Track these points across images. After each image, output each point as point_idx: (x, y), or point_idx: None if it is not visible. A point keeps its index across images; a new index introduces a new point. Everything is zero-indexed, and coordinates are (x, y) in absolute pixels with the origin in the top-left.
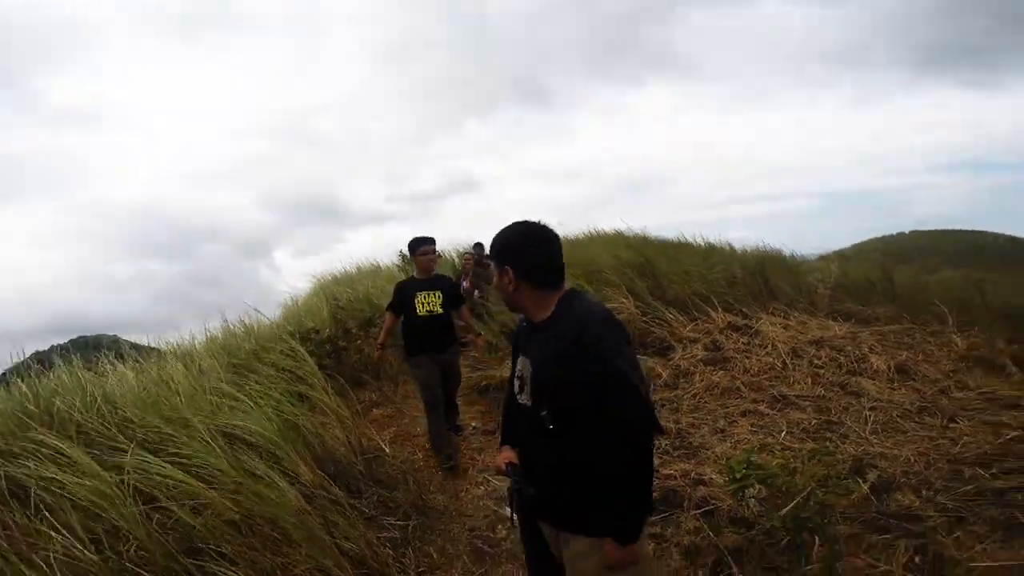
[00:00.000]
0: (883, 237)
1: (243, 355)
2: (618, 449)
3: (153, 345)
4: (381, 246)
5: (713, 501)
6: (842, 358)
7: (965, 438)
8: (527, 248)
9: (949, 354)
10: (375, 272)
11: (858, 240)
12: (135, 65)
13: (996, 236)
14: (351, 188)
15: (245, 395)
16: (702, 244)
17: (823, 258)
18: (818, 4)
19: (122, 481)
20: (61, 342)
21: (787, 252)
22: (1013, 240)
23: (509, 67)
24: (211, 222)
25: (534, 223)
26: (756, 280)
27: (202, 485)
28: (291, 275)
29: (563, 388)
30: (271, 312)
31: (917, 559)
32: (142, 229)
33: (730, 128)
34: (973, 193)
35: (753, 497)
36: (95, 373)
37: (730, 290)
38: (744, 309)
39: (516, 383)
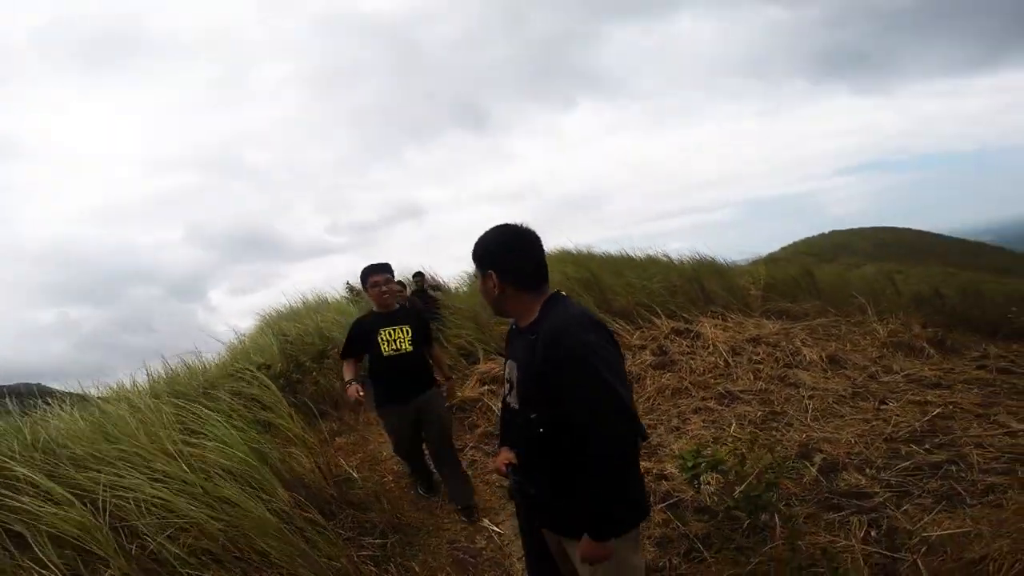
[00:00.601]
0: (807, 239)
1: (193, 392)
2: (590, 443)
3: (86, 391)
4: (325, 279)
5: (676, 494)
6: (778, 353)
7: (896, 418)
8: (509, 251)
9: (873, 342)
10: (322, 305)
11: (786, 243)
12: (48, 93)
13: (904, 231)
14: (288, 220)
15: (209, 425)
16: (642, 257)
17: (754, 262)
18: (726, 18)
19: (96, 510)
20: None
21: (720, 259)
22: (919, 233)
23: (444, 93)
24: (137, 262)
25: (514, 225)
26: (693, 287)
27: (183, 500)
28: (230, 314)
29: (547, 392)
30: (214, 353)
31: (872, 533)
32: (61, 272)
33: (658, 143)
34: (877, 192)
35: (708, 483)
36: (31, 419)
37: (671, 298)
38: (684, 315)
39: (507, 385)
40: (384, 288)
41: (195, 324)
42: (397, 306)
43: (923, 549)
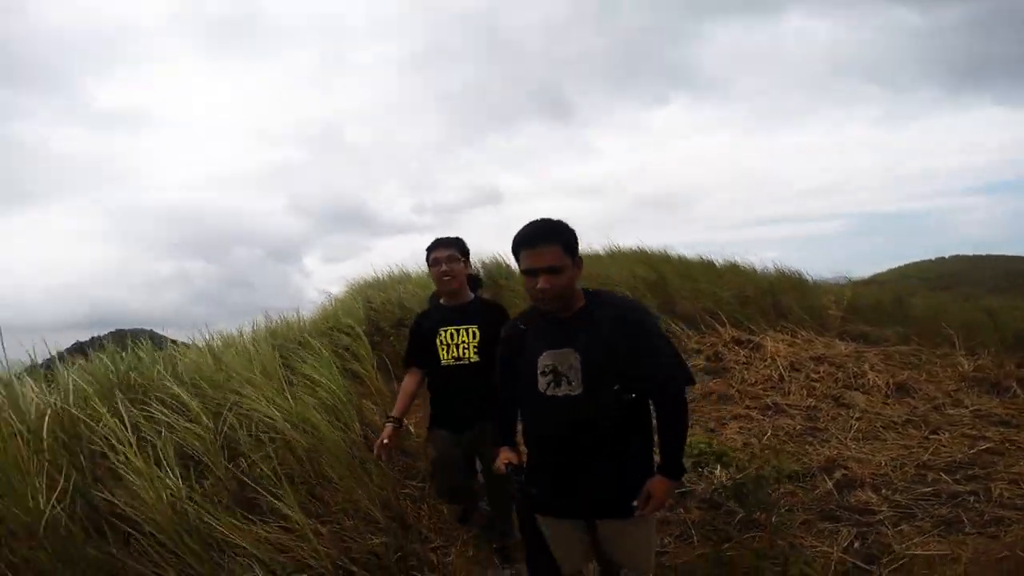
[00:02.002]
0: (921, 262)
1: (291, 343)
2: (668, 396)
3: (191, 341)
4: (408, 255)
5: (688, 485)
6: (840, 373)
7: (940, 447)
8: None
9: (953, 375)
10: (404, 278)
11: (895, 264)
12: (176, 69)
13: None
14: (379, 197)
15: (307, 366)
16: (721, 263)
17: (847, 282)
18: (844, 19)
19: (216, 428)
20: (101, 334)
21: (806, 275)
22: None
23: (531, 81)
24: (245, 226)
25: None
26: (766, 299)
27: (285, 422)
28: (320, 280)
29: (620, 364)
30: (308, 311)
31: (856, 544)
32: (181, 230)
33: (756, 146)
34: (1014, 216)
35: (718, 478)
36: (164, 353)
37: (740, 308)
38: (751, 326)
39: (545, 378)
40: (445, 267)
41: (290, 285)
42: (471, 297)
43: (894, 566)
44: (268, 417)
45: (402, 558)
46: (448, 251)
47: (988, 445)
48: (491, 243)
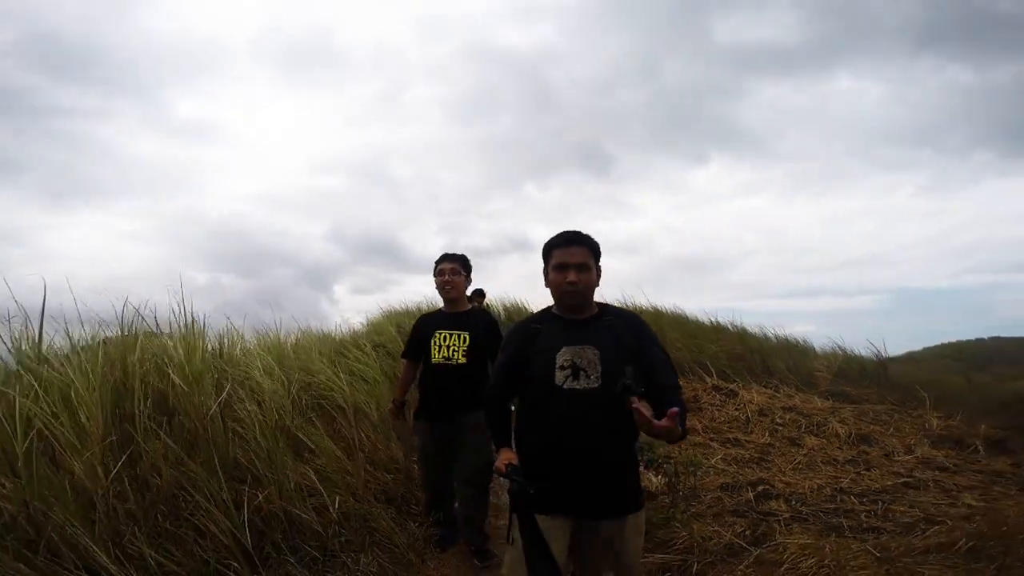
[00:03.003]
0: (958, 342)
1: (335, 348)
2: (675, 395)
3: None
4: (433, 293)
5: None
6: (804, 421)
7: (866, 480)
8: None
9: (919, 431)
10: (433, 309)
11: (933, 344)
12: (248, 89)
13: None
14: (412, 233)
15: (353, 360)
16: (734, 329)
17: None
18: (894, 82)
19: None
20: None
21: (801, 341)
22: None
23: (570, 133)
24: (284, 247)
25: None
26: (755, 357)
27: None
28: (346, 308)
29: (639, 359)
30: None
31: (747, 532)
32: (224, 243)
33: (796, 211)
34: None
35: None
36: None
37: (729, 363)
38: (737, 379)
39: (563, 372)
40: (447, 278)
41: (318, 310)
42: (468, 307)
43: (770, 549)
44: (329, 388)
45: (404, 495)
46: (452, 265)
47: (908, 480)
48: (516, 289)
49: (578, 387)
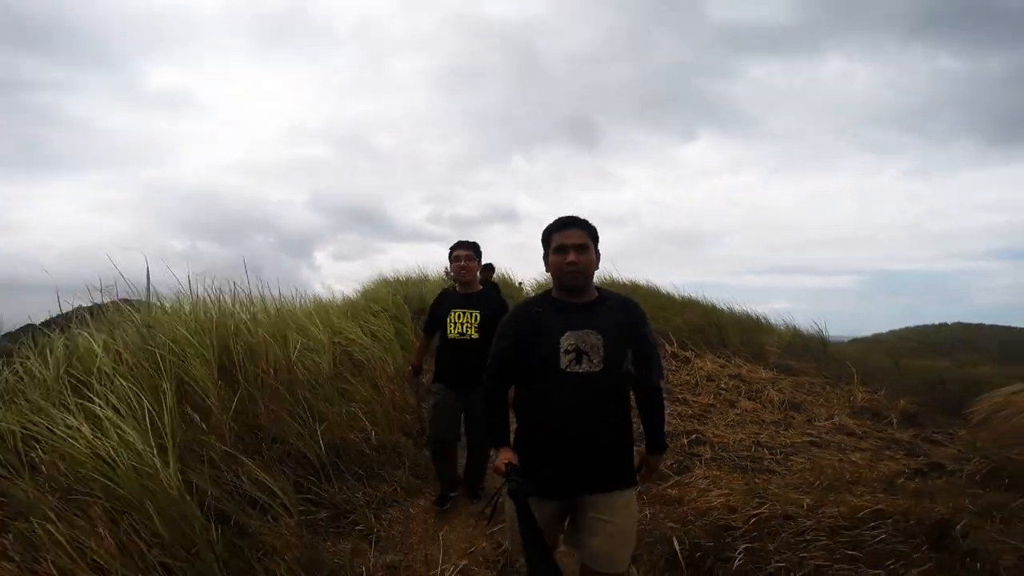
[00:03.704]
0: (923, 327)
1: (346, 313)
2: (658, 379)
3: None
4: (422, 260)
5: None
6: (745, 387)
7: (782, 437)
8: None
9: (844, 403)
10: (423, 280)
11: (899, 327)
12: (223, 57)
13: None
14: (397, 203)
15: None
16: (705, 303)
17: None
18: (885, 64)
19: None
20: (106, 300)
21: (759, 317)
22: None
23: (559, 106)
24: (263, 214)
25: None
26: (712, 330)
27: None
28: (328, 275)
29: (635, 344)
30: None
31: (674, 465)
32: (202, 211)
33: (781, 190)
34: None
35: None
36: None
37: (690, 335)
38: (695, 349)
39: (567, 356)
40: (463, 263)
41: (298, 277)
42: (480, 288)
43: (687, 479)
44: (353, 343)
45: (418, 430)
46: (467, 251)
47: (816, 440)
48: (502, 259)
49: (581, 371)
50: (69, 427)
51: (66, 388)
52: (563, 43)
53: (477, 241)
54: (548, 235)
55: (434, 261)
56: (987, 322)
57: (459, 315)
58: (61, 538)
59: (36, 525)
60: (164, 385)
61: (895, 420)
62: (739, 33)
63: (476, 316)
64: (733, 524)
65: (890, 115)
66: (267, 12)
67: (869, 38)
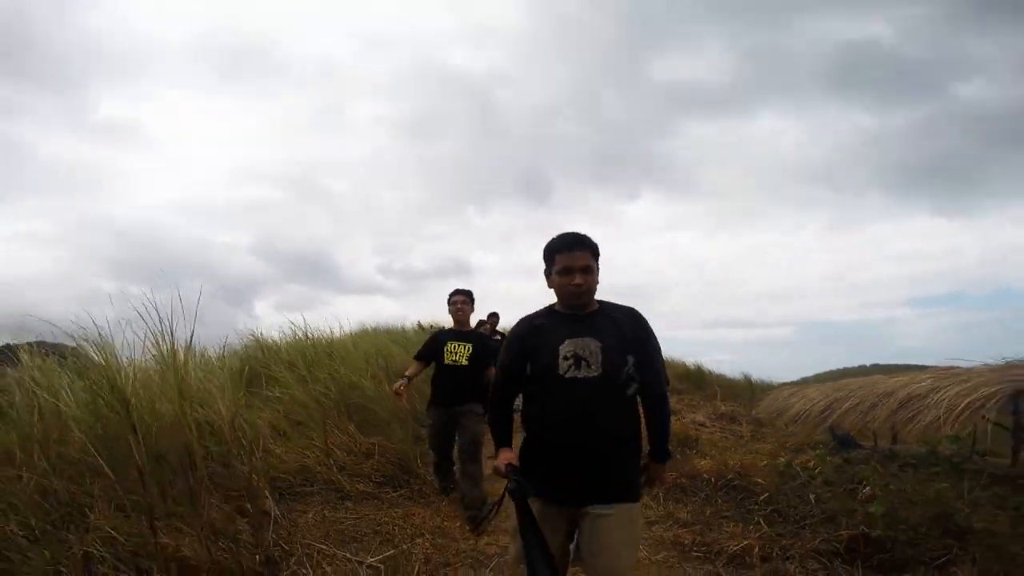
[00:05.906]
0: (845, 369)
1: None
2: (660, 388)
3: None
4: (368, 315)
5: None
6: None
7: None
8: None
9: (712, 411)
10: (393, 330)
11: (824, 370)
12: (179, 92)
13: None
14: (345, 252)
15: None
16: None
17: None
18: (810, 121)
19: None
20: (21, 342)
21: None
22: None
23: (513, 160)
24: (202, 258)
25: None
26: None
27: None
28: (266, 325)
29: (635, 350)
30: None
31: None
32: (135, 250)
33: (718, 247)
34: (949, 328)
35: None
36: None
37: None
38: None
39: (566, 362)
40: (459, 306)
41: (236, 325)
42: (472, 327)
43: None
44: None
45: (414, 457)
46: (463, 297)
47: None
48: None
49: (580, 375)
50: None
51: None
52: (520, 96)
53: (470, 288)
54: (552, 253)
55: (378, 314)
56: (905, 362)
57: (454, 346)
58: None
59: None
60: None
61: (744, 422)
62: (681, 92)
63: (468, 348)
64: None
65: (813, 171)
66: (229, 49)
67: (796, 95)
